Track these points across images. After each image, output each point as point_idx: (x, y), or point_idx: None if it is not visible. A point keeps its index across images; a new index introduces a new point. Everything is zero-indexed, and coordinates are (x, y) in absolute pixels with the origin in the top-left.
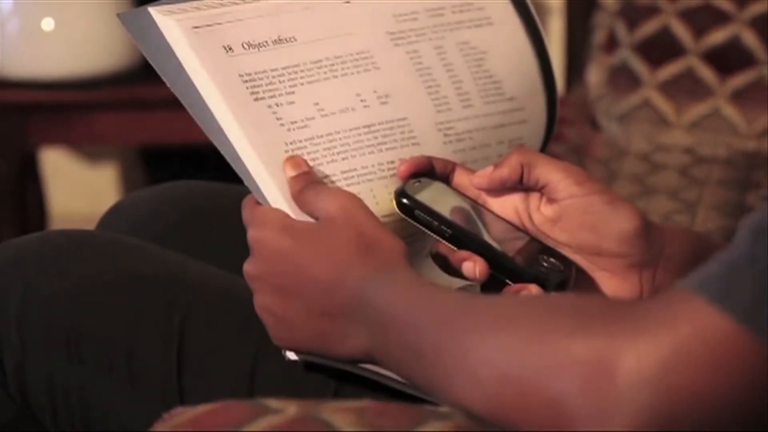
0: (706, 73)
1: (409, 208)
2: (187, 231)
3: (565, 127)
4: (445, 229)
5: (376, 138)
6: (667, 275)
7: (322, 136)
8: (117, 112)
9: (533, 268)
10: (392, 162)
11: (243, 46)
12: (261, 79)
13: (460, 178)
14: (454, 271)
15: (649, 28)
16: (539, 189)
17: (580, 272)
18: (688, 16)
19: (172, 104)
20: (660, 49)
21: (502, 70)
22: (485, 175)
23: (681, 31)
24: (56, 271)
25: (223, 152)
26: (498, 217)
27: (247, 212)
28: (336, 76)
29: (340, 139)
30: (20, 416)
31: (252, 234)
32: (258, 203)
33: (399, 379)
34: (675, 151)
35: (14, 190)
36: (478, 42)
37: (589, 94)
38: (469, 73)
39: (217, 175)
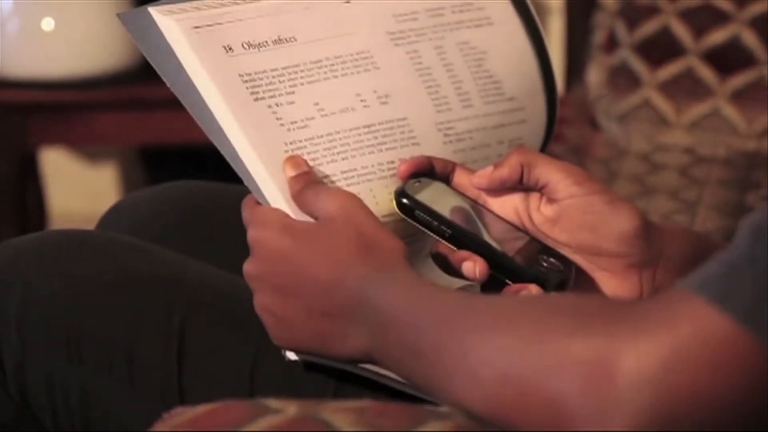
0: (706, 73)
1: (409, 208)
2: (187, 231)
3: (565, 127)
4: (445, 229)
5: (376, 138)
6: (667, 275)
7: (322, 136)
8: (117, 112)
9: (533, 268)
10: (392, 162)
11: (243, 46)
12: (261, 79)
13: (460, 178)
14: (454, 271)
15: (649, 28)
16: (539, 189)
17: (580, 272)
18: (688, 16)
19: (172, 104)
20: (660, 49)
21: (502, 70)
22: (485, 175)
23: (681, 31)
24: (56, 271)
25: (223, 152)
26: (498, 217)
27: (247, 212)
28: (336, 76)
29: (340, 139)
30: (20, 416)
31: (252, 234)
32: (258, 203)
33: (399, 379)
34: (675, 151)
35: (14, 190)
36: (478, 42)
37: (589, 94)
38: (469, 73)
39: (217, 175)
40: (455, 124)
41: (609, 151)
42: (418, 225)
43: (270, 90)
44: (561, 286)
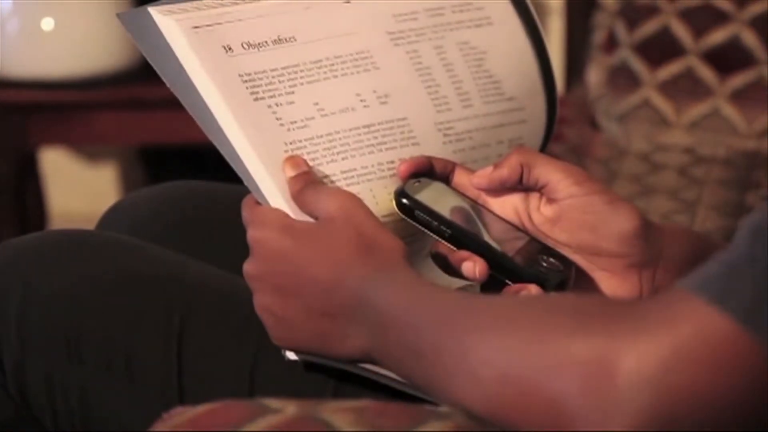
0: (706, 73)
1: (408, 208)
2: (187, 231)
3: (565, 127)
4: (444, 229)
5: (375, 138)
6: (667, 275)
7: (321, 136)
8: (117, 112)
9: (533, 268)
10: (392, 162)
11: (243, 46)
12: (261, 79)
13: (459, 178)
14: (454, 271)
15: (648, 28)
16: (539, 189)
17: (580, 272)
18: (688, 16)
19: (172, 104)
20: (660, 49)
21: (502, 70)
22: (485, 175)
23: (681, 31)
24: (56, 271)
25: (222, 152)
26: (498, 217)
27: (246, 212)
28: (336, 76)
29: (340, 139)
30: (20, 416)
31: (252, 234)
32: (258, 203)
33: (399, 379)
34: (675, 151)
35: (14, 190)
36: (478, 42)
37: (588, 94)
38: (468, 72)
39: (217, 175)
40: (455, 124)
41: (609, 151)
42: (417, 225)
43: (270, 90)
44: (561, 286)
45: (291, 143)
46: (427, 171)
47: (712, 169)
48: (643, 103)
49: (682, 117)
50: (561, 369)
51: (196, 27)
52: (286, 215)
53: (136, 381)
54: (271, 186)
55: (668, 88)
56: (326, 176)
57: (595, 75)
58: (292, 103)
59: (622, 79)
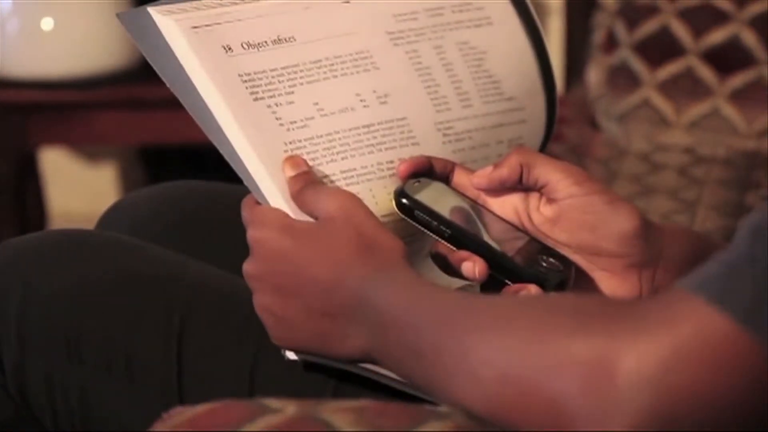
0: (706, 73)
1: (408, 208)
2: (187, 231)
3: (564, 127)
4: (444, 229)
5: (375, 138)
6: (667, 275)
7: (321, 136)
8: (117, 112)
9: (533, 268)
10: (392, 162)
11: (242, 46)
12: (260, 79)
13: (459, 178)
14: (454, 271)
15: (648, 27)
16: (539, 189)
17: (580, 272)
18: (688, 16)
19: (172, 104)
20: (660, 49)
21: (502, 70)
22: (485, 175)
23: (681, 31)
24: (56, 271)
25: (222, 152)
26: (497, 217)
27: (246, 212)
28: (335, 76)
29: (340, 138)
30: (20, 416)
31: (252, 234)
32: (258, 203)
33: (399, 379)
34: (675, 150)
35: (14, 190)
36: (478, 42)
37: (588, 94)
38: (468, 72)
39: (217, 175)
40: (455, 124)
41: (609, 151)
42: (417, 225)
43: (269, 90)
44: (561, 286)
45: (291, 143)
46: (427, 171)
47: (712, 169)
48: (643, 103)
49: (682, 117)
50: (561, 369)
51: (195, 27)
52: (286, 215)
53: (136, 381)
54: (270, 186)
55: (668, 88)
56: (326, 176)
57: (594, 75)
58: (291, 103)
59: (622, 79)
